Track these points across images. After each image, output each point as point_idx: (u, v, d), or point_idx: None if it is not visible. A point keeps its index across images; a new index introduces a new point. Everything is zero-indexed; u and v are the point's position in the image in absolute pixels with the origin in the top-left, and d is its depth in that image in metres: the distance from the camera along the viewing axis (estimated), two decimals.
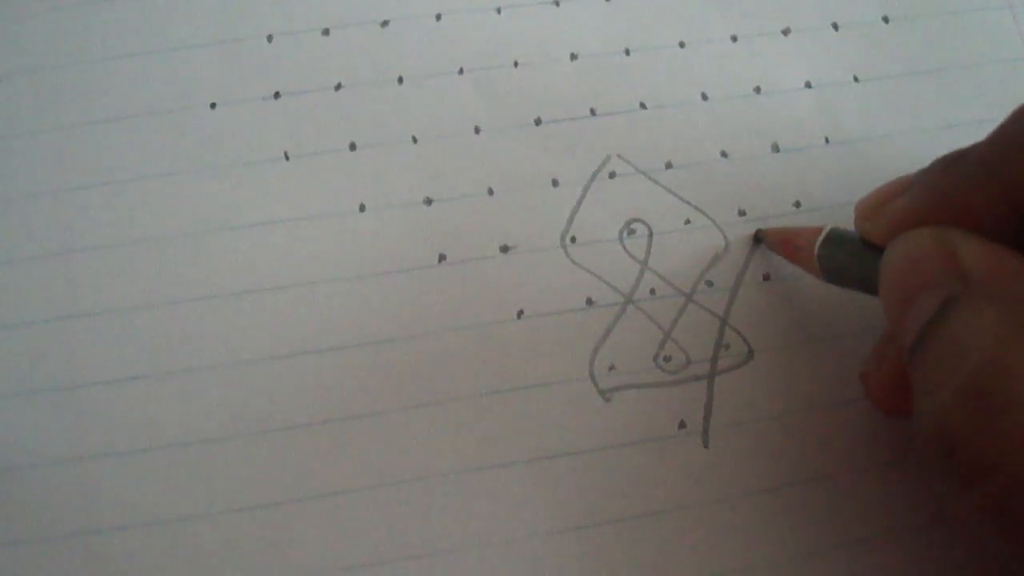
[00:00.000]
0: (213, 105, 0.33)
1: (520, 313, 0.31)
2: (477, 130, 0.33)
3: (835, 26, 0.35)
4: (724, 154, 0.33)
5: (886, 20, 0.36)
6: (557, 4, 0.35)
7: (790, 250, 0.31)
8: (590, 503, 0.30)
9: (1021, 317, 0.20)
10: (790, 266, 0.32)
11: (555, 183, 0.33)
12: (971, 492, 0.20)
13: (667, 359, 0.31)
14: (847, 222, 0.30)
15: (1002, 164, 0.23)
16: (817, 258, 0.28)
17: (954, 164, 0.25)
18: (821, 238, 0.28)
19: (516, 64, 0.34)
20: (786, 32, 0.35)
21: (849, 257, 0.27)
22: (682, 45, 0.35)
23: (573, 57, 0.34)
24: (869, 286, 0.26)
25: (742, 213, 0.33)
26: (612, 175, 0.33)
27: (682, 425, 0.31)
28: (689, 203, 0.33)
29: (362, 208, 0.32)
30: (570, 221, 0.32)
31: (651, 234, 0.32)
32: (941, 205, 0.24)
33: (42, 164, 0.32)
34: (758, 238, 0.32)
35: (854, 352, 0.31)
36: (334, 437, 0.30)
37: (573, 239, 0.32)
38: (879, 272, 0.25)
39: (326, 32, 0.34)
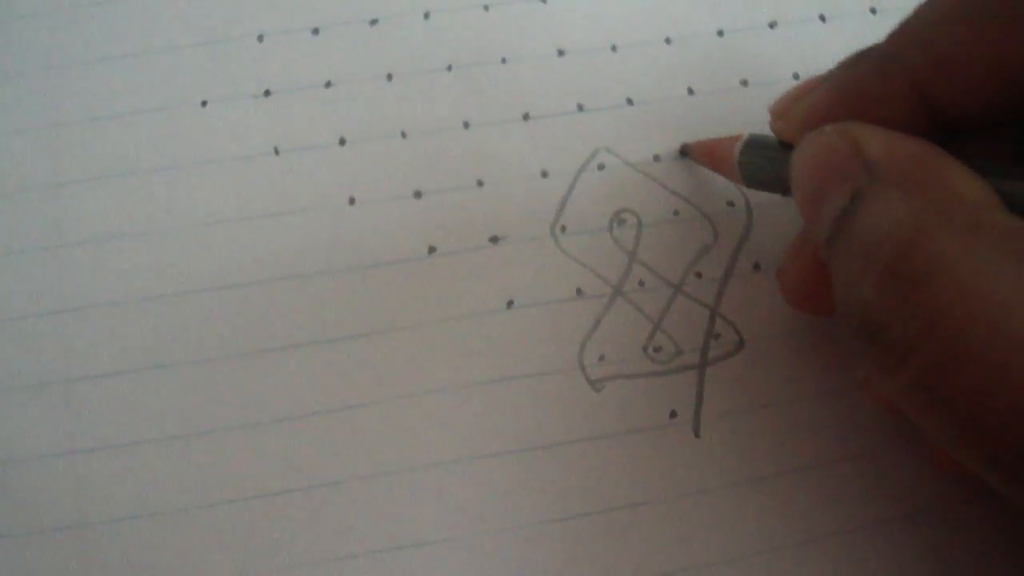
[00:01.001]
0: (204, 103, 0.32)
1: (510, 303, 0.31)
2: (466, 124, 0.33)
3: (822, 18, 0.35)
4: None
5: (873, 11, 0.35)
6: (544, 1, 0.34)
7: (713, 160, 0.31)
8: (580, 493, 0.29)
9: (925, 198, 0.20)
10: (781, 256, 0.32)
11: (544, 174, 0.32)
12: (896, 375, 0.20)
13: (657, 349, 0.31)
14: None
15: (903, 54, 0.23)
16: (737, 164, 0.29)
17: (859, 59, 0.25)
18: (740, 144, 0.29)
19: (504, 60, 0.34)
20: (772, 25, 0.35)
21: (766, 161, 0.27)
22: (668, 41, 0.34)
23: (560, 53, 0.34)
24: (786, 187, 0.26)
25: (731, 204, 0.32)
26: (601, 167, 0.32)
27: (673, 415, 0.30)
28: (678, 194, 0.32)
29: (352, 201, 0.32)
30: (559, 212, 0.32)
31: (640, 225, 0.32)
32: (847, 100, 0.24)
33: (34, 160, 0.32)
34: (684, 152, 0.32)
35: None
36: (324, 429, 0.29)
37: (563, 229, 0.32)
38: (791, 167, 0.25)
39: (316, 31, 0.33)
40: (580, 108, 0.33)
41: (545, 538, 0.29)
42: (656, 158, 0.33)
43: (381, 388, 0.30)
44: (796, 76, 0.34)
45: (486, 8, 0.34)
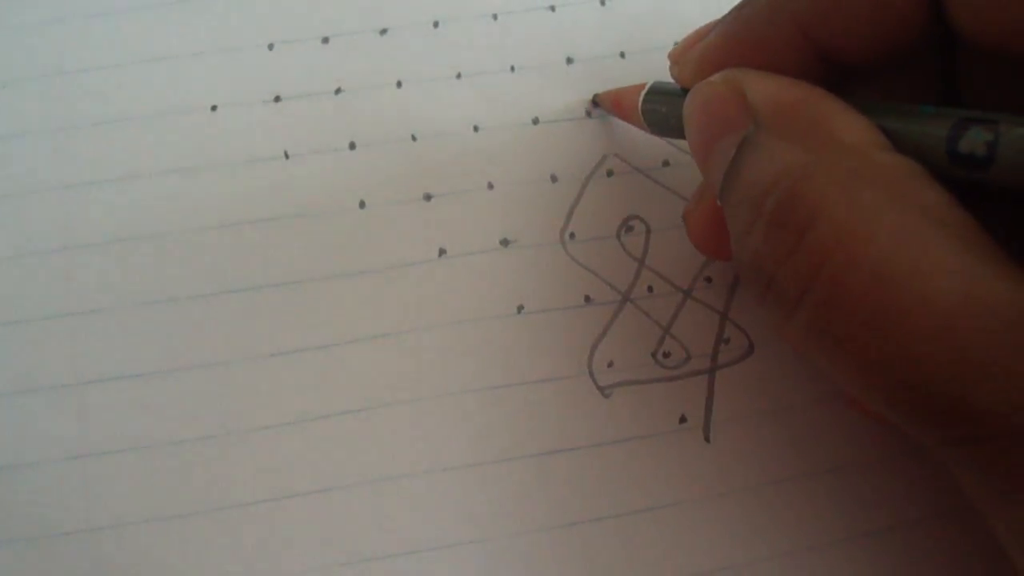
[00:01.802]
0: (214, 107, 0.32)
1: (520, 308, 0.30)
2: (476, 128, 0.32)
3: None
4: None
5: None
6: (553, 9, 0.34)
7: (620, 110, 0.31)
8: (590, 499, 0.29)
9: (807, 145, 0.20)
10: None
11: (554, 179, 0.32)
12: (789, 322, 0.20)
13: (666, 355, 0.30)
14: None
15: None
16: (640, 112, 0.28)
17: (747, 4, 0.24)
18: (643, 92, 0.28)
19: (512, 68, 0.33)
20: None
21: (669, 108, 0.27)
22: None
23: (569, 61, 0.33)
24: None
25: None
26: (610, 173, 0.32)
27: (683, 420, 0.29)
28: (687, 200, 0.32)
29: (362, 204, 0.31)
30: (569, 217, 0.31)
31: (649, 231, 0.31)
32: (737, 46, 0.24)
33: (45, 164, 0.31)
34: (595, 102, 0.32)
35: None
36: (334, 431, 0.29)
37: (572, 235, 0.31)
38: (683, 118, 0.25)
39: (326, 40, 0.33)
40: (589, 115, 0.33)
41: (555, 544, 0.28)
42: (665, 163, 0.32)
43: (390, 392, 0.29)
44: None
45: (495, 17, 0.34)
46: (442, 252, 0.31)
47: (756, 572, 0.28)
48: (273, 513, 0.28)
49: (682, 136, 0.26)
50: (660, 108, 0.28)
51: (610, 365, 0.30)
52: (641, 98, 0.28)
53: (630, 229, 0.31)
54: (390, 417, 0.29)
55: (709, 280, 0.31)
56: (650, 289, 0.31)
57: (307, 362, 0.29)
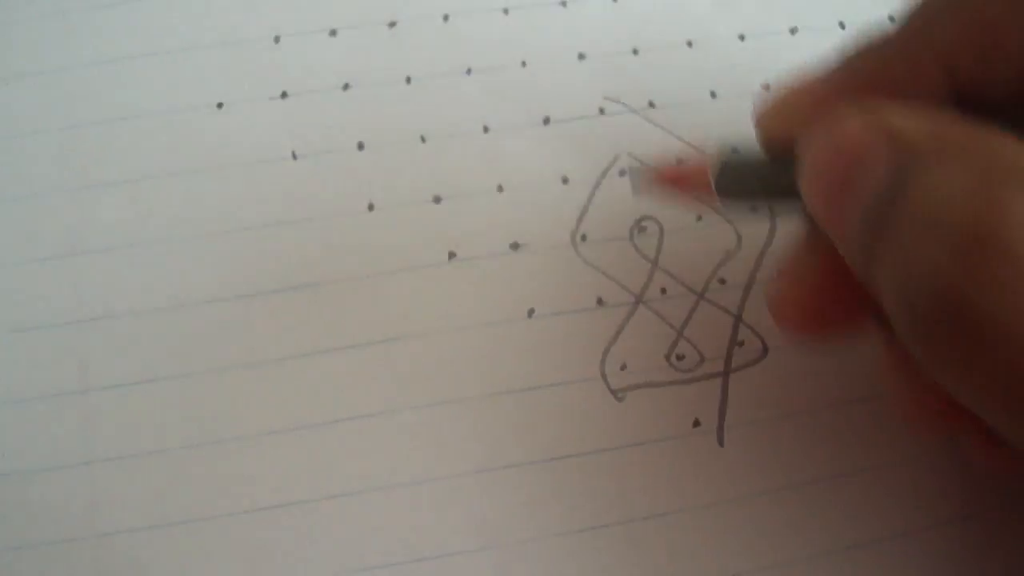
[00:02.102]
0: (220, 105, 0.31)
1: (531, 312, 0.30)
2: (486, 129, 0.32)
3: (842, 25, 0.34)
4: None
5: (892, 20, 0.34)
6: (564, 4, 0.33)
7: (677, 179, 0.27)
8: (603, 503, 0.28)
9: (985, 165, 0.18)
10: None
11: (565, 180, 0.31)
12: (976, 365, 0.17)
13: (680, 357, 0.30)
14: None
15: (933, 28, 0.20)
16: (713, 179, 0.25)
17: (874, 41, 0.21)
18: (713, 154, 0.25)
19: (524, 64, 0.32)
20: (793, 31, 0.34)
21: (750, 168, 0.24)
22: (690, 44, 0.33)
23: (581, 57, 0.33)
24: (779, 192, 0.22)
25: (754, 209, 0.31)
26: (622, 173, 0.31)
27: (696, 423, 0.29)
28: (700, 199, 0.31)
29: (371, 207, 0.31)
30: (580, 219, 0.31)
31: (662, 232, 0.31)
32: (863, 84, 0.21)
33: (49, 165, 0.30)
34: (631, 179, 0.29)
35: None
36: (343, 437, 0.28)
37: (583, 237, 0.31)
38: (796, 167, 0.21)
39: (333, 33, 0.32)
40: (601, 112, 0.32)
41: (568, 549, 0.28)
42: (678, 162, 0.32)
43: (400, 397, 0.29)
44: None
45: (506, 11, 0.33)
46: (452, 256, 0.30)
47: None
48: (280, 520, 0.28)
49: (764, 199, 0.24)
50: (737, 167, 0.24)
51: (623, 368, 0.29)
52: (713, 170, 0.25)
53: (643, 230, 0.31)
54: (399, 423, 0.28)
55: (723, 282, 0.30)
56: (663, 291, 0.30)
57: (315, 367, 0.29)
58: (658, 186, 0.28)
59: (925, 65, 0.20)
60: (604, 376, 0.29)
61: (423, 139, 0.31)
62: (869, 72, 0.21)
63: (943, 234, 0.17)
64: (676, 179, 0.27)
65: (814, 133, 0.21)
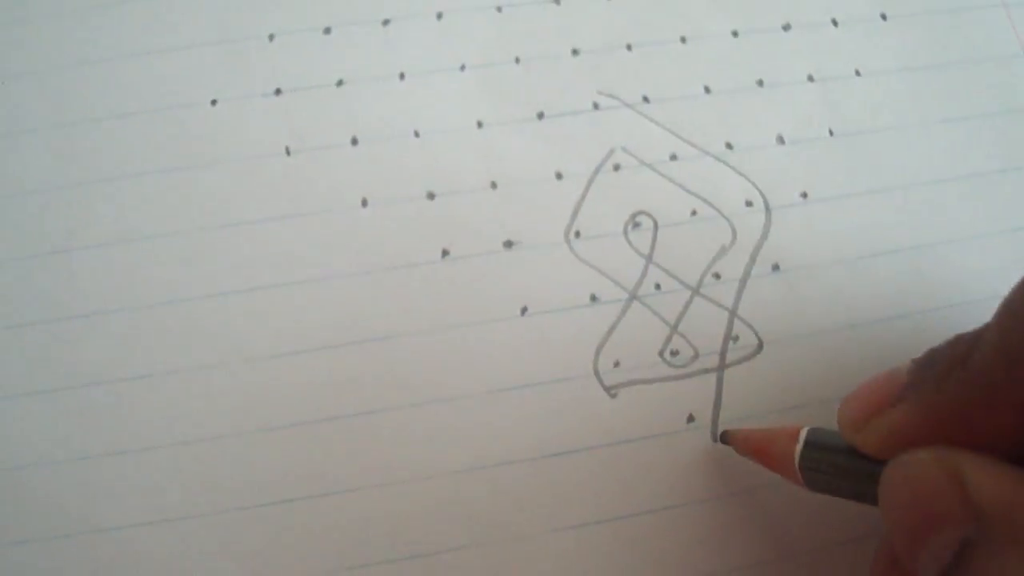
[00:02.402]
0: (214, 102, 0.31)
1: (524, 310, 0.30)
2: (480, 124, 0.31)
3: (834, 22, 0.34)
4: (729, 145, 0.32)
5: (884, 17, 0.34)
6: (557, 2, 0.33)
7: (767, 458, 0.26)
8: (597, 500, 0.28)
9: None
10: (802, 255, 0.31)
11: (559, 176, 0.31)
12: None
13: (674, 353, 0.30)
14: (855, 214, 0.29)
15: (1012, 381, 0.19)
16: (799, 470, 0.24)
17: (952, 375, 0.21)
18: (800, 447, 0.24)
19: (517, 60, 0.32)
20: (786, 28, 0.33)
21: (837, 468, 0.23)
22: (683, 40, 0.33)
23: (575, 53, 0.33)
24: (863, 497, 0.22)
25: (749, 204, 0.31)
26: (616, 167, 0.31)
27: (691, 419, 0.29)
28: (695, 194, 0.31)
29: (364, 203, 0.30)
30: (574, 215, 0.31)
31: (656, 227, 0.31)
32: (942, 422, 0.21)
33: (45, 162, 0.30)
34: (724, 440, 0.28)
35: (864, 343, 0.30)
36: (337, 435, 0.28)
37: (577, 234, 0.30)
38: (879, 494, 0.21)
39: (327, 31, 0.32)
40: (595, 107, 0.32)
41: (562, 545, 0.28)
42: (673, 157, 0.31)
43: (394, 394, 0.28)
44: (811, 78, 0.33)
45: (499, 9, 0.33)
46: (445, 253, 0.30)
47: (764, 572, 0.28)
48: (274, 518, 0.27)
49: (854, 498, 0.23)
50: (827, 469, 0.24)
51: (616, 365, 0.29)
52: (798, 452, 0.24)
53: (637, 225, 0.31)
54: (392, 421, 0.28)
55: (718, 276, 0.30)
56: (657, 286, 0.30)
57: (308, 364, 0.29)
58: (737, 447, 0.28)
59: (1004, 416, 0.20)
60: (597, 373, 0.29)
61: (417, 135, 0.31)
62: (951, 410, 0.21)
63: None
64: (760, 451, 0.27)
65: (893, 470, 0.21)
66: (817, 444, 0.24)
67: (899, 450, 0.21)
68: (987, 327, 0.20)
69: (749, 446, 0.27)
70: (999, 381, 0.19)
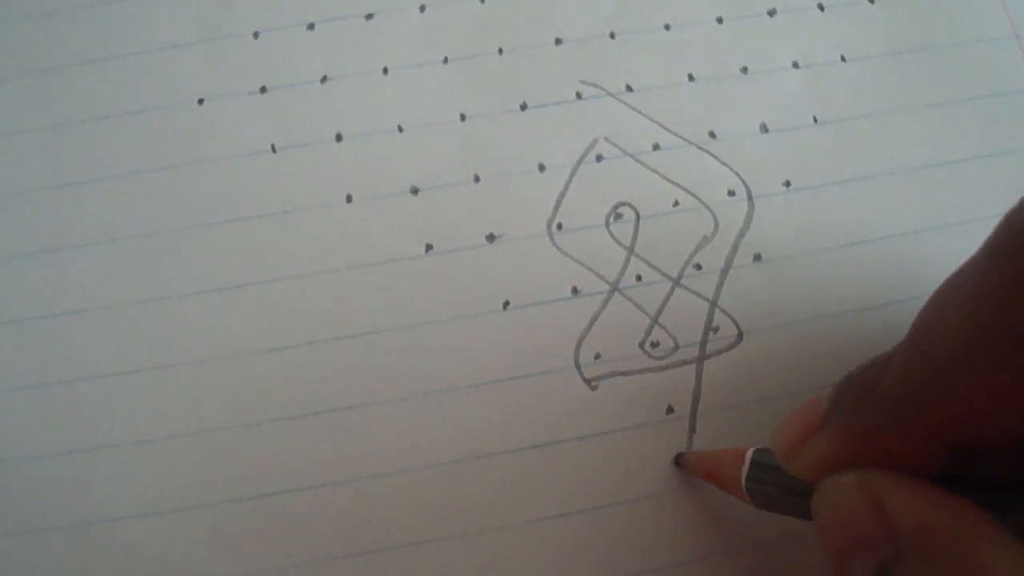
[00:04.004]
0: (201, 101, 0.31)
1: (506, 304, 0.30)
2: (463, 117, 0.31)
3: (820, 7, 0.33)
4: (712, 134, 0.31)
5: (871, 0, 0.33)
6: None
7: (716, 480, 0.27)
8: (578, 490, 0.28)
9: None
10: (784, 245, 0.30)
11: (542, 168, 0.31)
12: None
13: (654, 345, 0.30)
14: (839, 202, 0.29)
15: (918, 409, 0.20)
16: (746, 491, 0.25)
17: (865, 402, 0.21)
18: (745, 469, 0.25)
19: (500, 51, 0.32)
20: (772, 13, 0.33)
21: (779, 490, 0.24)
22: (667, 28, 0.32)
23: (558, 42, 0.32)
24: (807, 515, 0.22)
25: (731, 193, 0.31)
26: (599, 158, 0.31)
27: (670, 410, 0.29)
28: (677, 184, 0.31)
29: (349, 199, 0.30)
30: (556, 208, 0.30)
31: (638, 218, 0.30)
32: (860, 448, 0.21)
33: (33, 162, 0.30)
34: (679, 463, 0.28)
35: (846, 332, 0.29)
36: (323, 428, 0.28)
37: (560, 226, 0.30)
38: (813, 517, 0.22)
39: (311, 27, 0.32)
40: (579, 96, 0.32)
41: (544, 534, 0.28)
42: (656, 147, 0.31)
43: (378, 388, 0.29)
44: (796, 64, 0.32)
45: (482, 0, 0.32)
46: (429, 248, 0.30)
47: (744, 559, 0.28)
48: (265, 509, 0.28)
49: (798, 516, 0.23)
50: (770, 490, 0.24)
51: (597, 357, 0.29)
52: (744, 474, 0.25)
53: (619, 216, 0.30)
54: (376, 414, 0.28)
55: (699, 267, 0.30)
56: (639, 278, 0.30)
57: (294, 359, 0.29)
58: (689, 469, 0.28)
59: (918, 440, 0.20)
60: (578, 365, 0.29)
61: (400, 129, 0.31)
62: (867, 437, 0.21)
63: None
64: (710, 474, 0.27)
65: (819, 494, 0.21)
66: (762, 465, 0.24)
67: (827, 475, 0.21)
68: (897, 349, 0.20)
69: (700, 468, 0.27)
70: (908, 408, 0.20)
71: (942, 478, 0.20)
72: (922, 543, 0.19)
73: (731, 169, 0.31)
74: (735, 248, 0.30)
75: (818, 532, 0.21)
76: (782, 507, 0.24)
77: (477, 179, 0.31)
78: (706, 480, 0.27)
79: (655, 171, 0.31)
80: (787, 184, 0.31)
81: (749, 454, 0.25)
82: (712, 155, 0.31)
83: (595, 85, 0.32)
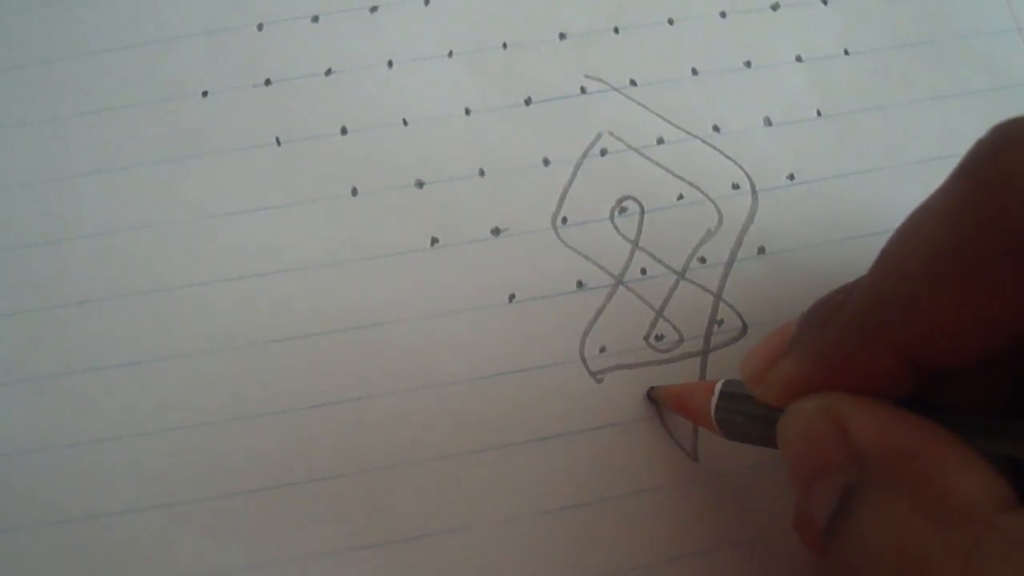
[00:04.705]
0: (205, 93, 0.31)
1: (511, 297, 0.29)
2: (468, 111, 0.31)
3: (823, 1, 0.33)
4: (716, 128, 0.31)
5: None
6: None
7: (686, 411, 0.27)
8: (585, 482, 0.28)
9: (926, 501, 0.18)
10: (788, 238, 0.30)
11: (546, 162, 0.31)
12: None
13: (659, 338, 0.30)
14: (843, 195, 0.29)
15: (882, 324, 0.19)
16: (715, 421, 0.25)
17: (831, 322, 0.21)
18: (715, 399, 0.25)
19: (505, 45, 0.32)
20: (775, 7, 0.33)
21: (748, 420, 0.24)
22: (671, 22, 0.32)
23: (562, 37, 0.32)
24: (774, 443, 0.22)
25: (735, 187, 0.31)
26: (603, 152, 0.31)
27: None
28: (681, 178, 0.31)
29: (354, 192, 0.30)
30: (561, 202, 0.30)
31: (643, 212, 0.30)
32: (825, 369, 0.21)
33: (36, 154, 0.30)
34: (651, 397, 0.29)
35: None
36: (327, 421, 0.28)
37: (564, 220, 0.30)
38: (778, 444, 0.22)
39: (315, 19, 0.32)
40: (583, 91, 0.32)
41: (551, 527, 0.28)
42: (660, 141, 0.31)
43: (383, 382, 0.29)
44: (799, 58, 0.32)
45: None
46: (434, 241, 0.30)
47: (750, 550, 0.28)
48: (269, 501, 0.28)
49: (765, 444, 0.23)
50: (738, 418, 0.24)
51: (603, 350, 0.29)
52: (714, 404, 0.25)
53: (624, 210, 0.30)
54: (381, 407, 0.28)
55: (703, 260, 0.30)
56: (643, 271, 0.30)
57: (298, 351, 0.29)
58: (661, 402, 0.29)
59: (881, 356, 0.20)
60: (583, 359, 0.29)
61: (405, 123, 0.31)
62: (831, 356, 0.21)
63: (878, 567, 0.18)
64: (680, 405, 0.27)
65: (784, 420, 0.21)
66: (731, 395, 0.25)
67: (793, 399, 0.21)
68: (864, 275, 0.20)
69: (671, 401, 0.28)
70: (872, 324, 0.20)
71: (908, 402, 0.19)
72: (886, 465, 0.19)
73: (735, 163, 0.31)
74: (739, 241, 0.30)
75: (783, 458, 0.21)
76: (751, 436, 0.24)
77: (482, 173, 0.30)
78: (676, 412, 0.28)
79: (659, 165, 0.31)
80: (791, 177, 0.31)
81: (719, 385, 0.25)
82: (716, 149, 0.31)
83: (599, 79, 0.32)
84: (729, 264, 0.30)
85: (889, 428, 0.19)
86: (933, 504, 0.18)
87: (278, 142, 0.31)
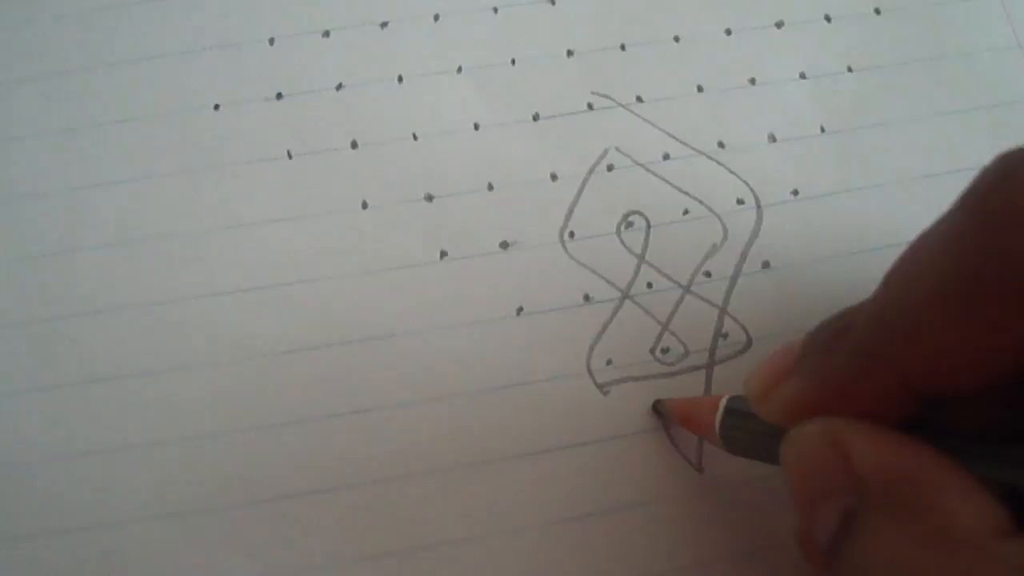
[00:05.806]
0: (216, 106, 0.31)
1: (519, 310, 0.30)
2: (476, 126, 0.31)
3: (827, 18, 0.33)
4: (721, 144, 0.32)
5: (878, 12, 0.34)
6: (553, 2, 0.33)
7: (691, 425, 0.27)
8: (591, 493, 0.28)
9: (920, 531, 0.18)
10: (792, 253, 0.31)
11: (554, 177, 0.31)
12: None
13: (665, 351, 0.30)
14: (846, 210, 0.29)
15: (888, 351, 0.19)
16: (720, 437, 0.25)
17: (836, 346, 0.21)
18: (719, 415, 0.25)
19: (513, 62, 0.32)
20: (779, 25, 0.33)
21: (753, 436, 0.24)
22: (677, 39, 0.33)
23: (570, 54, 0.32)
24: (777, 461, 0.22)
25: (740, 202, 0.31)
26: (610, 168, 0.31)
27: None
28: (687, 193, 0.31)
29: (364, 205, 0.31)
30: (568, 216, 0.31)
31: (649, 226, 0.31)
32: (829, 392, 0.21)
33: (49, 165, 0.30)
34: (657, 410, 0.29)
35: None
36: (337, 431, 0.28)
37: (572, 234, 0.30)
38: (782, 467, 0.22)
39: (326, 34, 0.32)
40: (590, 107, 0.32)
41: (557, 537, 0.28)
42: (666, 157, 0.31)
43: (392, 393, 0.29)
44: (803, 75, 0.33)
45: (495, 10, 0.33)
46: (443, 254, 0.30)
47: (756, 562, 0.28)
48: (281, 511, 0.28)
49: (768, 461, 0.23)
50: (742, 435, 0.24)
51: (609, 363, 0.29)
52: (719, 420, 0.25)
53: (630, 225, 0.31)
54: (390, 418, 0.29)
55: (708, 275, 0.30)
56: (649, 285, 0.30)
57: (308, 362, 0.29)
58: (667, 416, 0.29)
59: (884, 381, 0.20)
60: (590, 371, 0.29)
61: (415, 137, 0.31)
62: (834, 380, 0.21)
63: None
64: (686, 419, 0.28)
65: (786, 442, 0.21)
66: (736, 412, 0.25)
67: (797, 420, 0.21)
68: (869, 298, 0.21)
69: (676, 415, 0.28)
70: (877, 350, 0.20)
71: (911, 427, 0.20)
72: (886, 490, 0.19)
73: (740, 178, 0.31)
74: (744, 256, 0.31)
75: (786, 480, 0.21)
76: (754, 453, 0.24)
77: (491, 187, 0.31)
78: (682, 425, 0.28)
79: (665, 180, 0.31)
80: (795, 193, 0.31)
81: (724, 400, 0.25)
82: (721, 164, 0.32)
83: (606, 96, 0.32)
84: (734, 278, 0.30)
85: (890, 454, 0.19)
86: (932, 530, 0.18)
87: (289, 155, 0.31)
